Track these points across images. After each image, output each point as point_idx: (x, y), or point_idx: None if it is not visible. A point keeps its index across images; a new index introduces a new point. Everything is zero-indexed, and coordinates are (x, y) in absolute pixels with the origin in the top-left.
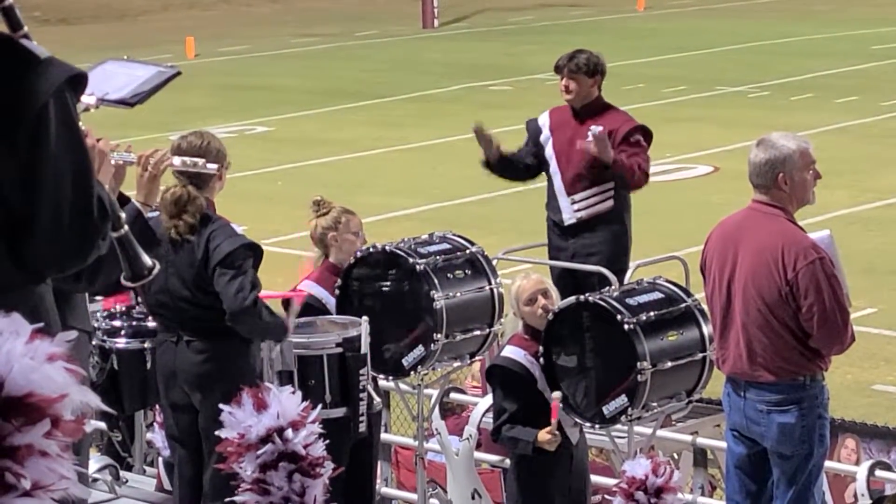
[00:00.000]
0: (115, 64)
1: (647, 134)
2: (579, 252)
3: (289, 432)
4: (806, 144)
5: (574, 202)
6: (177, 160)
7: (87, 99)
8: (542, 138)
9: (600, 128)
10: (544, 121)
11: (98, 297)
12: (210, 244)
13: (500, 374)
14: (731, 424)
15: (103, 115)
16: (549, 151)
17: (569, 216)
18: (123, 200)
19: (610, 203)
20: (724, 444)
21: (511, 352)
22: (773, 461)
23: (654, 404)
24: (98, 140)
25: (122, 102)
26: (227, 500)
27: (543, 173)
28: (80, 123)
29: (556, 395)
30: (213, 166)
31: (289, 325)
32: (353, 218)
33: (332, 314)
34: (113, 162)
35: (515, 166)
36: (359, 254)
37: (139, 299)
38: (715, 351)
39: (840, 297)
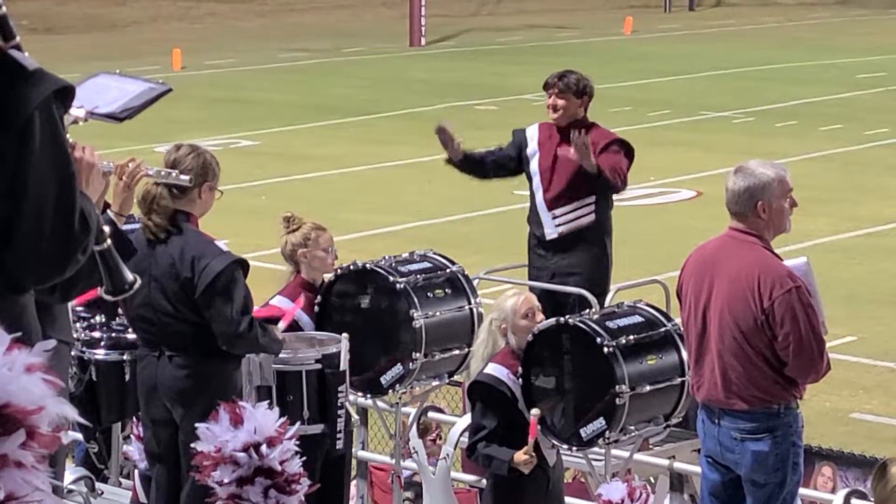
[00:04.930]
0: (107, 77)
1: (629, 148)
2: (559, 272)
3: (264, 448)
4: (784, 172)
5: (555, 217)
6: (151, 170)
7: (76, 112)
8: (528, 151)
9: (582, 134)
10: (532, 134)
11: (79, 308)
12: (197, 265)
13: (482, 390)
14: (706, 451)
15: (89, 126)
16: (533, 167)
17: (550, 231)
18: (102, 210)
19: (591, 217)
20: (699, 469)
21: (494, 369)
22: (746, 489)
23: (632, 427)
24: (84, 149)
25: (111, 117)
26: None
27: (528, 187)
28: (68, 136)
29: (535, 411)
30: (185, 177)
31: (280, 338)
32: (322, 234)
33: (304, 331)
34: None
35: (481, 167)
36: (339, 271)
37: (120, 311)
38: (690, 377)
39: (816, 326)
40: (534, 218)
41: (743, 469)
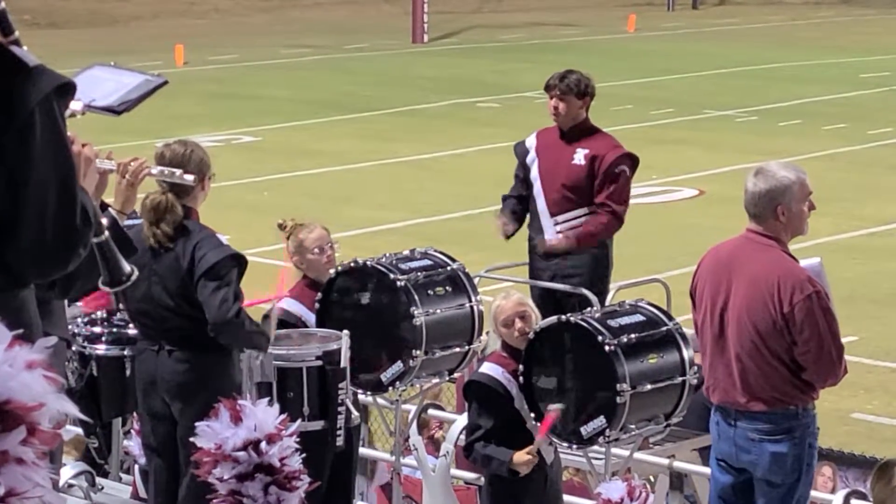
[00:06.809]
0: (103, 70)
1: (634, 162)
2: (559, 273)
3: (264, 445)
4: (804, 175)
5: (556, 223)
6: (155, 169)
7: (73, 105)
8: (528, 159)
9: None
10: (531, 143)
11: (79, 303)
12: (196, 254)
13: (478, 390)
14: (719, 454)
15: (89, 120)
16: (534, 173)
17: (550, 237)
18: (102, 208)
19: None
20: (699, 468)
21: (489, 368)
22: (759, 489)
23: (633, 426)
24: (83, 145)
25: (109, 110)
26: None
27: (529, 193)
28: (66, 130)
29: (558, 406)
30: (189, 177)
31: (270, 334)
32: (309, 236)
33: (306, 327)
34: (99, 169)
35: (525, 209)
36: (340, 268)
37: (121, 305)
38: (704, 379)
39: (835, 331)
40: (534, 223)
41: (760, 470)
